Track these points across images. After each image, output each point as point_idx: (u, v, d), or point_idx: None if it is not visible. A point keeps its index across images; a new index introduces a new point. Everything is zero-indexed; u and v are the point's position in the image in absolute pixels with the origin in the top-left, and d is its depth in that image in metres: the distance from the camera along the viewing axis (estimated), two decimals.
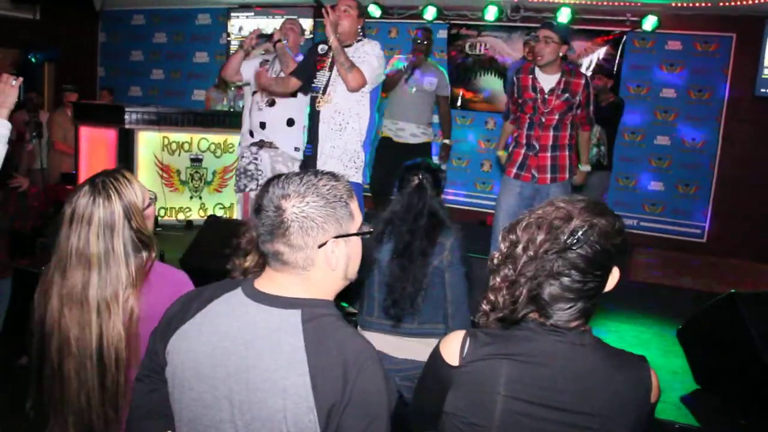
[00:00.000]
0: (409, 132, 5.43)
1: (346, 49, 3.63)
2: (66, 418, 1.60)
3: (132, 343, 1.60)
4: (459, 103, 7.60)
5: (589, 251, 1.23)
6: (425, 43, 5.44)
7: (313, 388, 1.15)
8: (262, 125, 4.32)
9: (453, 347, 1.30)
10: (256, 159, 4.38)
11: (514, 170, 4.08)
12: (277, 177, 1.27)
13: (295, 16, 7.95)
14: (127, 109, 5.83)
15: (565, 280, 1.24)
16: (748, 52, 6.54)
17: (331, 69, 3.73)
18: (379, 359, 1.24)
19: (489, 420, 1.23)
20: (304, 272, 1.24)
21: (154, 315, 1.43)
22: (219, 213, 6.09)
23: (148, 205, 1.73)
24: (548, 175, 4.02)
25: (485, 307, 1.31)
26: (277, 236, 1.22)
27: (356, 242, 1.31)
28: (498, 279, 1.30)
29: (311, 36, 7.86)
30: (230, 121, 6.07)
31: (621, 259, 1.28)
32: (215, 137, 6.13)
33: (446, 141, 5.66)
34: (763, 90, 6.53)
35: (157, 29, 9.19)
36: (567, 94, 3.91)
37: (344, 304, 3.17)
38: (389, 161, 5.36)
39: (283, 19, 5.06)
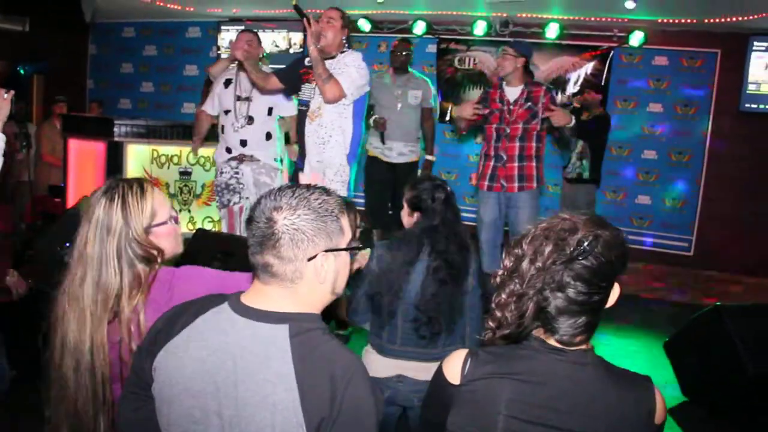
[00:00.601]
0: (396, 151, 5.35)
1: (328, 61, 3.59)
2: (60, 417, 1.57)
3: (128, 357, 1.55)
4: (448, 117, 7.63)
5: (594, 263, 1.23)
6: (404, 53, 5.36)
7: (302, 403, 1.15)
8: (243, 143, 4.35)
9: (455, 366, 1.30)
10: (237, 173, 4.41)
11: (486, 183, 4.35)
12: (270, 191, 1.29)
13: (286, 30, 8.02)
14: (116, 122, 5.79)
15: (571, 291, 1.23)
16: (733, 68, 6.65)
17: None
18: (367, 372, 1.24)
19: None
20: (293, 285, 1.25)
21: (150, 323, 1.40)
22: (208, 226, 6.05)
23: (163, 223, 1.68)
24: (516, 184, 4.26)
25: (491, 324, 1.31)
26: (268, 248, 1.23)
27: (345, 257, 1.31)
28: (504, 295, 1.29)
29: (301, 50, 7.90)
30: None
31: (622, 273, 1.28)
32: (204, 150, 6.09)
33: (429, 157, 5.52)
34: (747, 105, 6.63)
35: (148, 42, 9.20)
36: (529, 103, 4.22)
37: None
38: (380, 180, 5.35)
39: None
